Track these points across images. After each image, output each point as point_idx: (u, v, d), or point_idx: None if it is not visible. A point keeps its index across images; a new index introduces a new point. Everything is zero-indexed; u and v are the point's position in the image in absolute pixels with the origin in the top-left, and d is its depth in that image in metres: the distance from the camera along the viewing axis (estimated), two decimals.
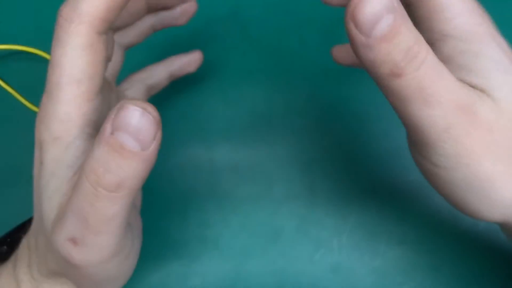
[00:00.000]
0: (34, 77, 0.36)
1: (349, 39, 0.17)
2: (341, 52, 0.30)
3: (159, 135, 0.17)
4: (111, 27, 0.20)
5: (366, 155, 0.33)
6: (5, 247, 0.25)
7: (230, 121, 0.34)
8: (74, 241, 0.18)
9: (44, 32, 0.36)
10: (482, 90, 0.18)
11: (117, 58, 0.27)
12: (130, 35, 0.27)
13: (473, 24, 0.19)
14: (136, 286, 0.32)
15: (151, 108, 0.16)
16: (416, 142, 0.19)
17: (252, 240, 0.32)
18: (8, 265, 0.23)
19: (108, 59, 0.22)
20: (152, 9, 0.27)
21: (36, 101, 0.35)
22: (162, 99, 0.33)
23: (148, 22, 0.28)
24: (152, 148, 0.17)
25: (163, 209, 0.33)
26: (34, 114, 0.35)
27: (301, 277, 0.31)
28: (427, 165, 0.19)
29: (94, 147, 0.17)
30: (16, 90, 0.35)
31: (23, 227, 0.26)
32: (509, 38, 0.35)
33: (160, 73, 0.30)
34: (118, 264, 0.20)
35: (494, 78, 0.18)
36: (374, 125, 0.34)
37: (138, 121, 0.16)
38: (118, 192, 0.17)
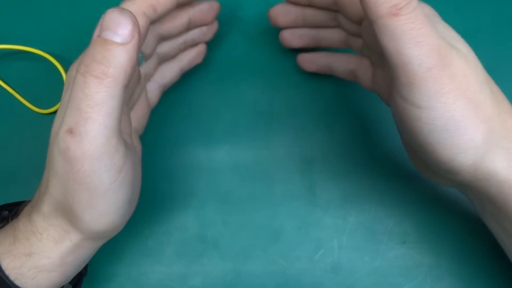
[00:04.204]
0: (34, 77, 0.36)
1: None
2: (305, 61, 0.33)
3: (136, 34, 0.21)
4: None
5: (366, 155, 0.33)
6: (6, 212, 0.28)
7: (230, 121, 0.34)
8: (71, 131, 0.21)
9: (44, 32, 0.37)
10: (452, 44, 0.22)
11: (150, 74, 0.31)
12: (166, 46, 0.31)
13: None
14: (137, 285, 0.32)
15: (128, 11, 0.21)
16: (403, 85, 0.22)
17: (252, 240, 0.32)
18: (25, 212, 0.25)
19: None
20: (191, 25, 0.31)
21: (36, 101, 0.35)
22: (162, 99, 0.33)
23: (183, 38, 0.32)
24: (132, 43, 0.20)
25: (164, 209, 0.33)
26: (34, 114, 0.35)
27: (301, 277, 0.31)
28: (410, 110, 0.22)
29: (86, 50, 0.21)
30: (16, 90, 0.35)
31: (18, 203, 0.28)
32: (509, 38, 0.35)
33: (171, 70, 0.32)
34: (110, 171, 0.22)
35: (456, 41, 0.23)
36: (374, 125, 0.34)
37: (116, 18, 0.20)
38: (103, 79, 0.20)
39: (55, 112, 0.35)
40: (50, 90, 0.35)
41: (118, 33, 0.20)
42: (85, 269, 0.29)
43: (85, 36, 0.36)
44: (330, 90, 0.34)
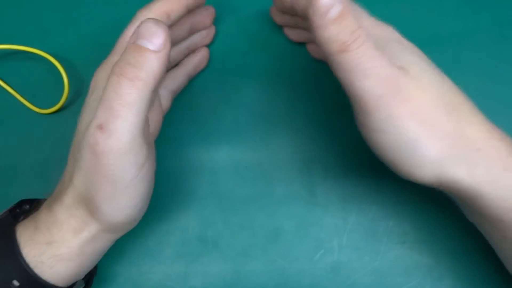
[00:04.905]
0: (34, 77, 0.36)
1: (310, 23, 0.22)
2: (314, 49, 0.35)
3: (168, 44, 0.22)
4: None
5: (366, 155, 0.33)
6: (27, 205, 0.29)
7: (230, 121, 0.34)
8: (100, 127, 0.22)
9: (44, 32, 0.37)
10: (403, 69, 0.23)
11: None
12: (173, 52, 0.32)
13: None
14: (137, 285, 0.32)
15: (162, 22, 0.22)
16: (360, 112, 0.23)
17: (252, 240, 0.32)
18: (46, 205, 0.26)
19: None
20: (193, 29, 0.33)
21: (36, 101, 0.35)
22: None
23: (186, 43, 0.33)
24: (164, 51, 0.22)
25: (164, 209, 0.33)
26: (34, 114, 0.35)
27: (301, 277, 0.31)
28: (370, 133, 0.24)
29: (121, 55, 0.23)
30: (16, 90, 0.35)
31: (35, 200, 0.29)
32: (509, 38, 0.35)
33: (179, 77, 0.34)
34: (133, 167, 0.23)
35: (410, 63, 0.24)
36: None
37: (152, 28, 0.22)
38: (135, 81, 0.22)
39: (55, 112, 0.35)
40: (50, 90, 0.35)
41: (152, 41, 0.22)
42: (95, 268, 0.30)
43: (85, 36, 0.36)
44: (331, 90, 0.34)
